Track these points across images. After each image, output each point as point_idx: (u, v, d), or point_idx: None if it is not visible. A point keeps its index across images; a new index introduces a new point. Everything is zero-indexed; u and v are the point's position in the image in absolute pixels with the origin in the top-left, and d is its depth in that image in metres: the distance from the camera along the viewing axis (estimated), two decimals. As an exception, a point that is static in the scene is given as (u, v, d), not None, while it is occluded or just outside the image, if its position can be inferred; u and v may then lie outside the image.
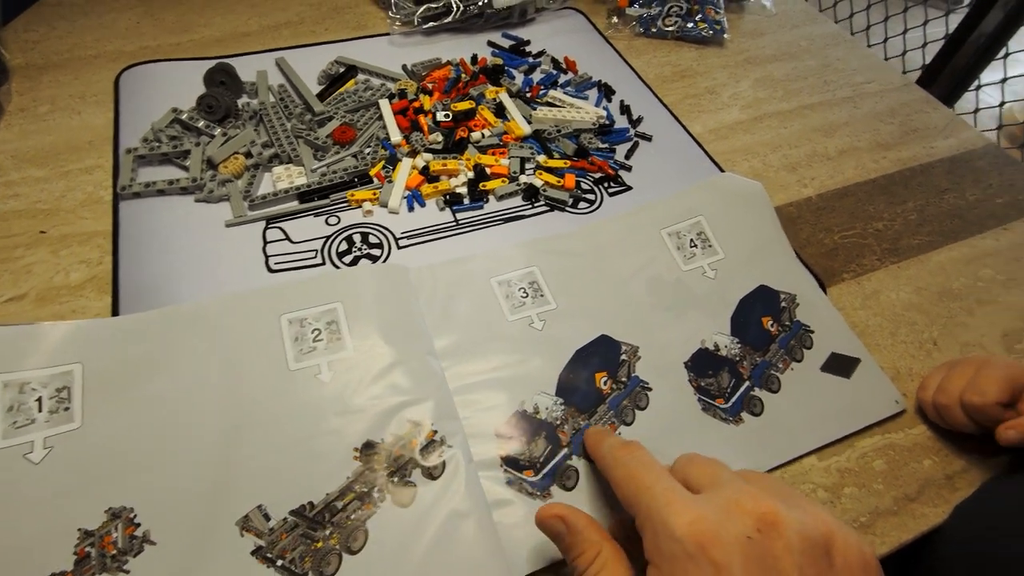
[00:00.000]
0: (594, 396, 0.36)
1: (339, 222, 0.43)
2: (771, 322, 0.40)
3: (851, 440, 0.37)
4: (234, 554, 0.28)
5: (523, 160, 0.48)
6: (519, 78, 0.56)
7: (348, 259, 0.41)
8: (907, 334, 0.42)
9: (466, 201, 0.45)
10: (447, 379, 0.35)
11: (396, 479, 0.31)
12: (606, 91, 0.55)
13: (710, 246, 0.43)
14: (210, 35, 0.57)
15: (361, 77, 0.54)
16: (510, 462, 0.33)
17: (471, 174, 0.47)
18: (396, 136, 0.48)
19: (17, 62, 0.52)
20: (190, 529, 0.29)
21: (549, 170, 0.47)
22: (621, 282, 0.41)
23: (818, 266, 0.45)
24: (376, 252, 0.42)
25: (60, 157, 0.45)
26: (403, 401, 0.33)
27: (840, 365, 0.39)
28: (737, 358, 0.38)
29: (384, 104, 0.50)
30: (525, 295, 0.39)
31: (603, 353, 0.37)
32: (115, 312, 0.37)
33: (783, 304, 0.41)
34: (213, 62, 0.51)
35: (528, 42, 0.60)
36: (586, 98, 0.55)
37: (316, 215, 0.43)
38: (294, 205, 0.44)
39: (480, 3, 0.58)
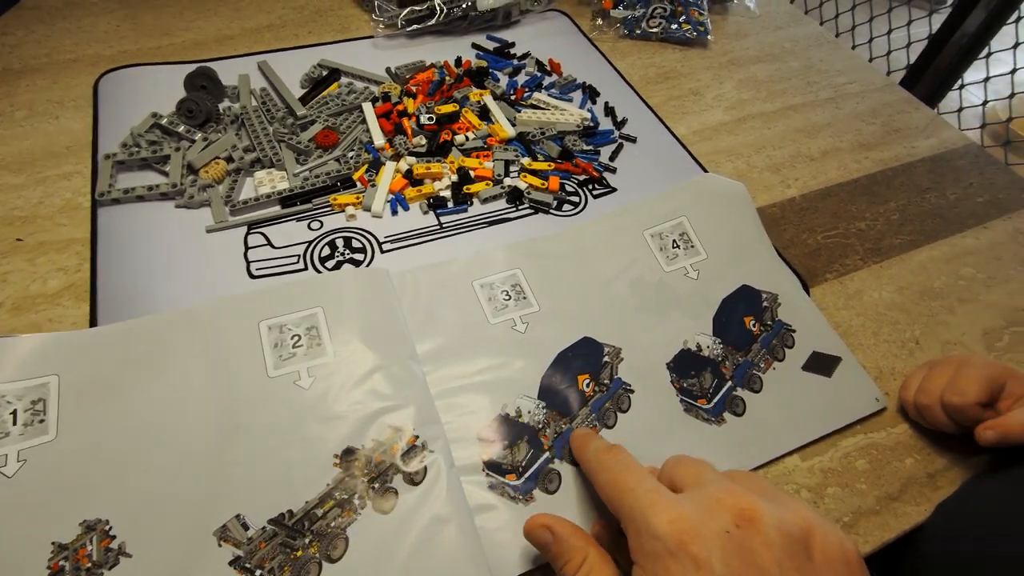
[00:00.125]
0: (576, 399, 0.36)
1: (322, 227, 0.43)
2: (753, 322, 0.40)
3: (834, 440, 0.37)
4: (212, 565, 0.28)
5: (507, 163, 0.48)
6: (503, 80, 0.56)
7: (331, 264, 0.41)
8: (889, 333, 0.42)
9: (450, 204, 0.45)
10: (429, 383, 0.35)
11: (377, 485, 0.31)
12: (591, 93, 0.56)
13: (692, 247, 0.43)
14: (191, 39, 0.56)
15: (344, 80, 0.54)
16: (492, 466, 0.33)
17: (455, 177, 0.46)
18: (379, 139, 0.48)
19: (-6, 67, 0.51)
20: (167, 540, 0.28)
21: (533, 172, 0.47)
22: (604, 284, 0.41)
23: (801, 266, 0.45)
24: (359, 257, 0.42)
25: (37, 163, 0.45)
26: (384, 407, 0.33)
27: (821, 364, 0.39)
28: (719, 358, 0.38)
29: (367, 107, 0.50)
30: (508, 298, 0.39)
31: (586, 355, 0.37)
32: (93, 320, 0.36)
33: (765, 304, 0.41)
34: (194, 66, 0.50)
35: (512, 44, 0.59)
36: (571, 100, 0.55)
37: (298, 220, 0.43)
38: (276, 210, 0.43)
39: (464, 5, 0.58)
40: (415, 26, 0.58)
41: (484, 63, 0.56)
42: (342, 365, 0.34)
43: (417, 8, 0.57)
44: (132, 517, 0.29)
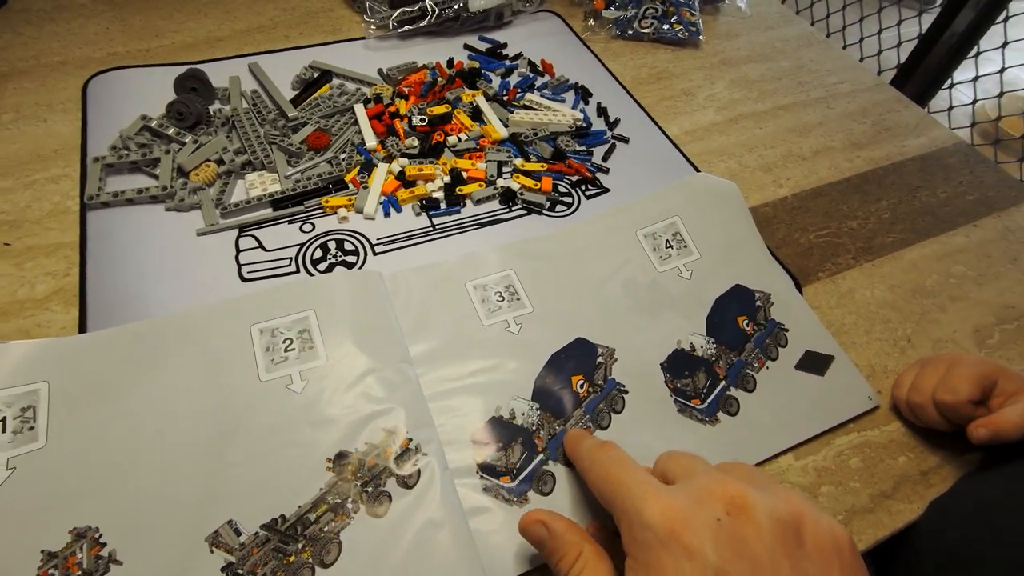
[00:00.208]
0: (570, 400, 0.36)
1: (314, 229, 0.43)
2: (746, 321, 0.40)
3: (827, 438, 0.37)
4: (204, 571, 0.28)
5: (500, 164, 0.48)
6: (496, 81, 0.56)
7: (323, 266, 0.41)
8: (882, 332, 0.42)
9: (443, 206, 0.45)
10: (422, 386, 0.35)
11: (370, 489, 0.30)
12: (583, 94, 0.56)
13: (685, 247, 0.43)
14: (181, 40, 0.56)
15: (336, 82, 0.54)
16: (486, 469, 0.33)
17: (448, 178, 0.46)
18: (371, 141, 0.47)
19: (-19, 70, 0.51)
20: (158, 547, 0.28)
21: (526, 173, 0.47)
22: (598, 284, 0.41)
23: (794, 265, 0.45)
24: (351, 259, 0.41)
25: (25, 167, 0.44)
26: (377, 410, 0.33)
27: (814, 363, 0.39)
28: (713, 358, 0.38)
29: (359, 109, 0.50)
30: (501, 299, 0.39)
31: (579, 356, 0.37)
32: (82, 325, 0.36)
33: (758, 303, 0.41)
34: (184, 68, 0.50)
35: (505, 45, 0.59)
36: (563, 101, 0.55)
37: (290, 222, 0.43)
38: (268, 212, 0.43)
39: (456, 6, 0.58)
40: (407, 27, 0.58)
41: (476, 64, 0.56)
42: (334, 368, 0.34)
43: (409, 9, 0.57)
44: (123, 524, 0.28)
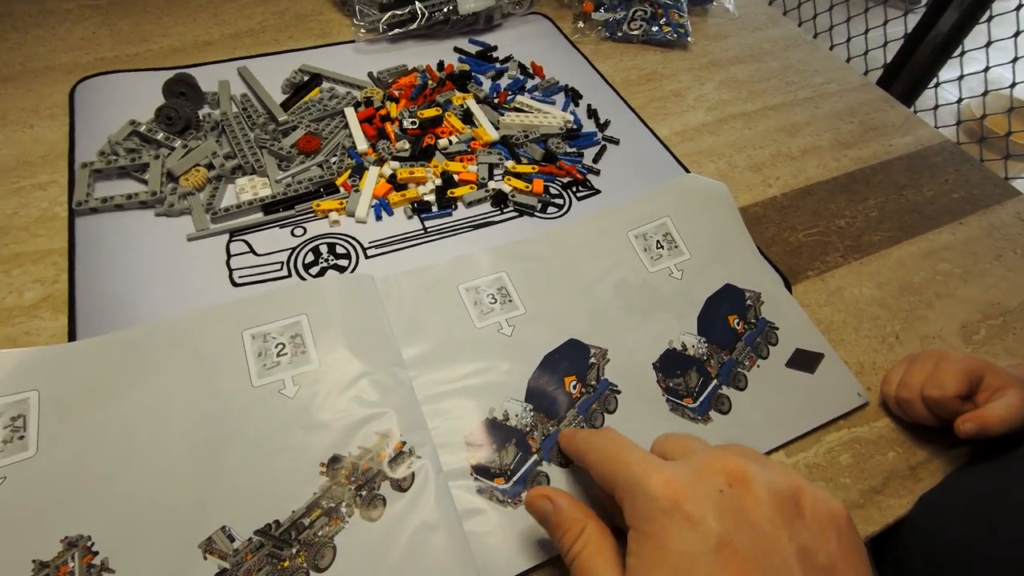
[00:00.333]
0: (563, 401, 0.36)
1: (305, 233, 0.43)
2: (737, 320, 0.41)
3: (818, 435, 0.37)
4: (197, 578, 0.28)
5: (491, 166, 0.48)
6: (486, 84, 0.56)
7: (315, 270, 0.41)
8: (870, 329, 0.43)
9: (434, 208, 0.45)
10: (415, 389, 0.35)
11: (364, 493, 0.30)
12: (573, 95, 0.56)
13: (676, 247, 0.43)
14: (169, 45, 0.56)
15: (326, 85, 0.53)
16: (481, 470, 0.33)
17: (439, 181, 0.46)
18: (362, 144, 0.47)
19: (-34, 76, 0.50)
20: (150, 555, 0.28)
21: (517, 175, 0.48)
22: (589, 285, 0.41)
23: (783, 264, 0.46)
24: (343, 263, 0.41)
25: (12, 173, 0.44)
26: (370, 413, 0.33)
27: (804, 361, 0.40)
28: (705, 357, 0.39)
29: (350, 112, 0.50)
30: (494, 301, 0.39)
31: (572, 357, 0.37)
32: (72, 332, 0.36)
33: (749, 302, 0.42)
34: (172, 72, 0.50)
35: (495, 48, 0.60)
36: (553, 103, 0.55)
37: (281, 227, 0.43)
38: (258, 217, 0.43)
39: (446, 9, 0.58)
40: (397, 30, 0.58)
41: (466, 67, 0.56)
42: (327, 372, 0.34)
43: (398, 12, 0.57)
44: (115, 532, 0.28)
